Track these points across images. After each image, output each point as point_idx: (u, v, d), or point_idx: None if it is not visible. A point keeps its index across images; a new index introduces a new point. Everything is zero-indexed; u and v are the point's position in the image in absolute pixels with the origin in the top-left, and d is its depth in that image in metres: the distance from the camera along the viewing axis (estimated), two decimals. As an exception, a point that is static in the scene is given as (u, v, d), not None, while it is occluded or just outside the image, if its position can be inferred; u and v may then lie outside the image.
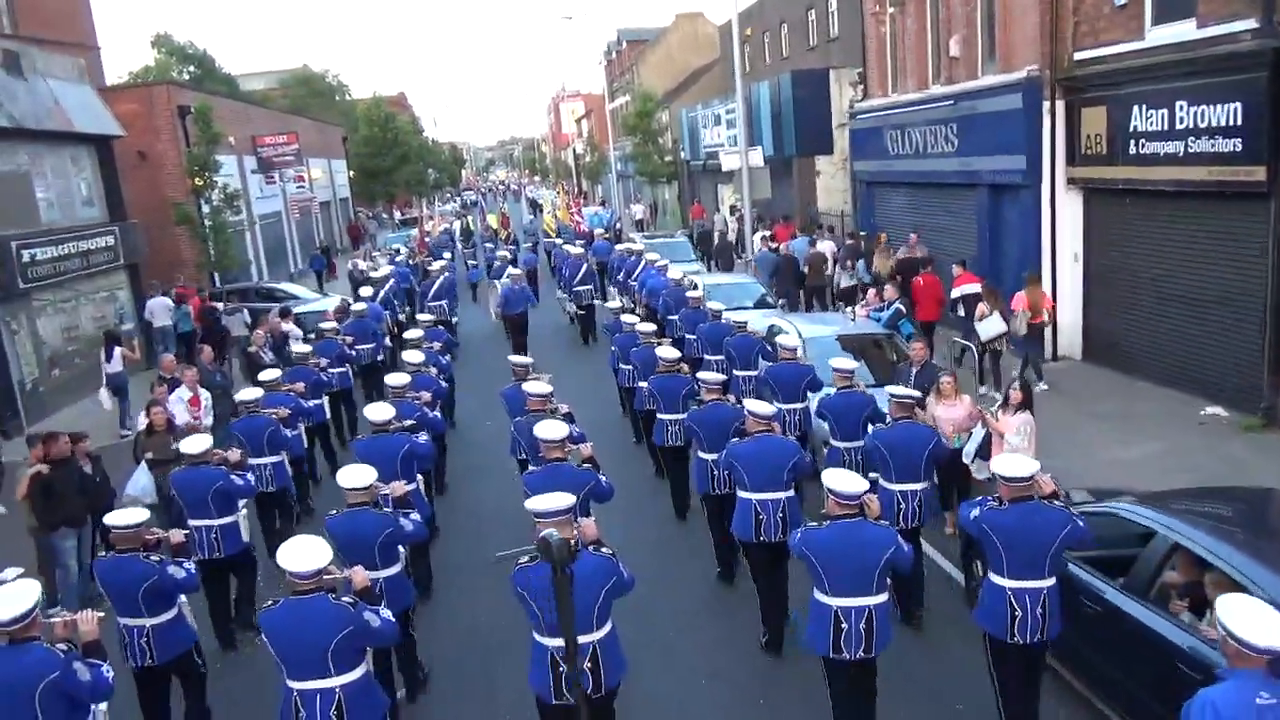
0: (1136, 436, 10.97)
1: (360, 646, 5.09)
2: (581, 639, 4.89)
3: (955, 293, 14.06)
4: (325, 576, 5.04)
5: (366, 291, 17.93)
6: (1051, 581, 5.50)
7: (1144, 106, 12.09)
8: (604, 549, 5.17)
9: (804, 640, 5.77)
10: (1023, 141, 14.13)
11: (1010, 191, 14.99)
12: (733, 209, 33.23)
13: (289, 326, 16.26)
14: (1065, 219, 14.01)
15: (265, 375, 10.89)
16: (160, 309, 19.60)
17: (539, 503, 5.12)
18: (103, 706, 5.05)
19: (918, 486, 7.28)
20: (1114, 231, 13.48)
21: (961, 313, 13.81)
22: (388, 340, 16.26)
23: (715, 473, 8.06)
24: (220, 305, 20.15)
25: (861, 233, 21.16)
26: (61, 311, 17.95)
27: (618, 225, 36.56)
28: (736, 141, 31.10)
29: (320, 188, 42.66)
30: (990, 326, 12.53)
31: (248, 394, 10.00)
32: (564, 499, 5.16)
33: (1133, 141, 12.37)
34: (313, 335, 14.76)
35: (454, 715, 6.89)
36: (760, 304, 16.76)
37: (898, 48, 18.68)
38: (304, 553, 5.00)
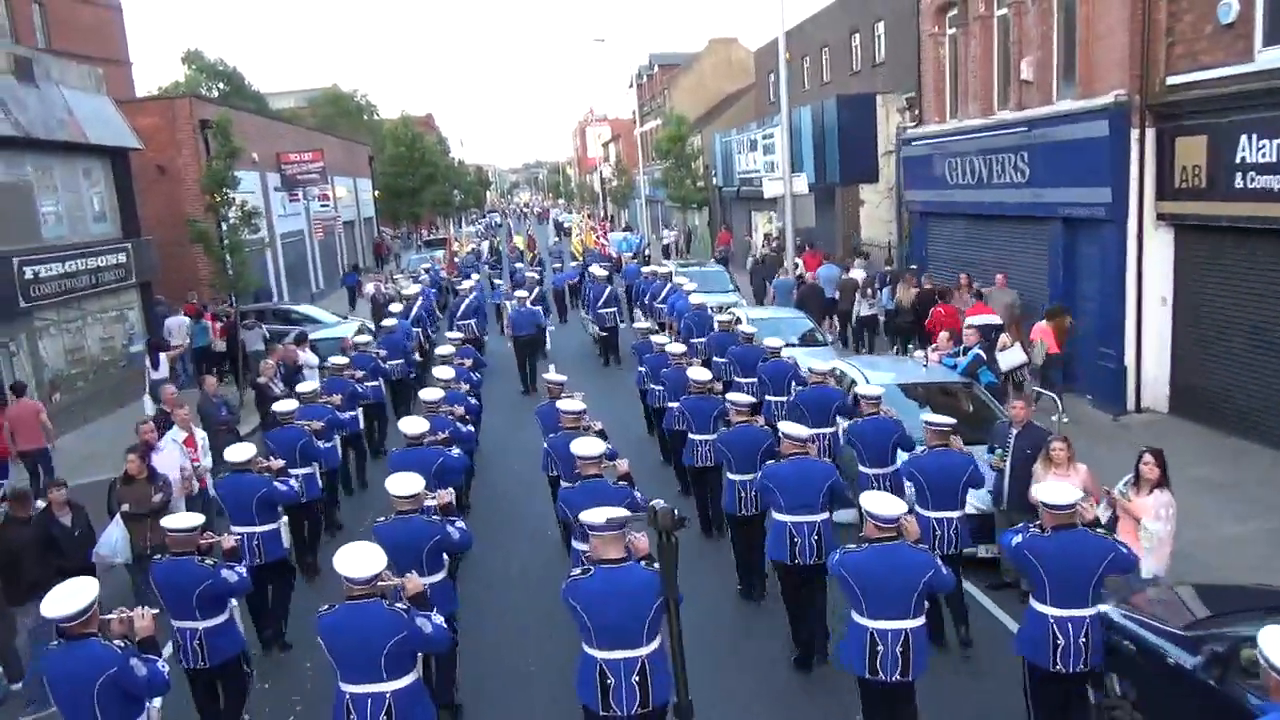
0: (1251, 508, 9.66)
1: (413, 651, 5.17)
2: (631, 653, 5.05)
3: (969, 323, 13.38)
4: (379, 583, 5.11)
5: (396, 308, 18.07)
6: (1094, 610, 5.47)
7: (1253, 136, 10.85)
8: (655, 564, 5.07)
9: (842, 660, 5.75)
10: (1107, 172, 12.88)
11: (1089, 226, 13.74)
12: (767, 237, 32.19)
13: (305, 355, 15.18)
14: (1153, 258, 12.73)
15: (303, 387, 11.14)
16: (178, 328, 18.71)
17: (593, 515, 5.15)
18: (157, 702, 5.20)
19: (954, 514, 7.25)
20: (1209, 273, 12.19)
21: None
22: (417, 356, 16.30)
23: (743, 494, 8.11)
24: (231, 317, 19.02)
25: (911, 266, 19.99)
26: (66, 332, 16.96)
27: (647, 251, 35.70)
28: (774, 168, 30.13)
29: (345, 207, 41.92)
30: (1011, 358, 12.47)
31: (283, 405, 10.06)
32: (615, 515, 5.17)
33: (1238, 174, 11.12)
34: (328, 366, 13.65)
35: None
36: (807, 339, 15.61)
37: (959, 71, 17.52)
38: (360, 559, 5.10)
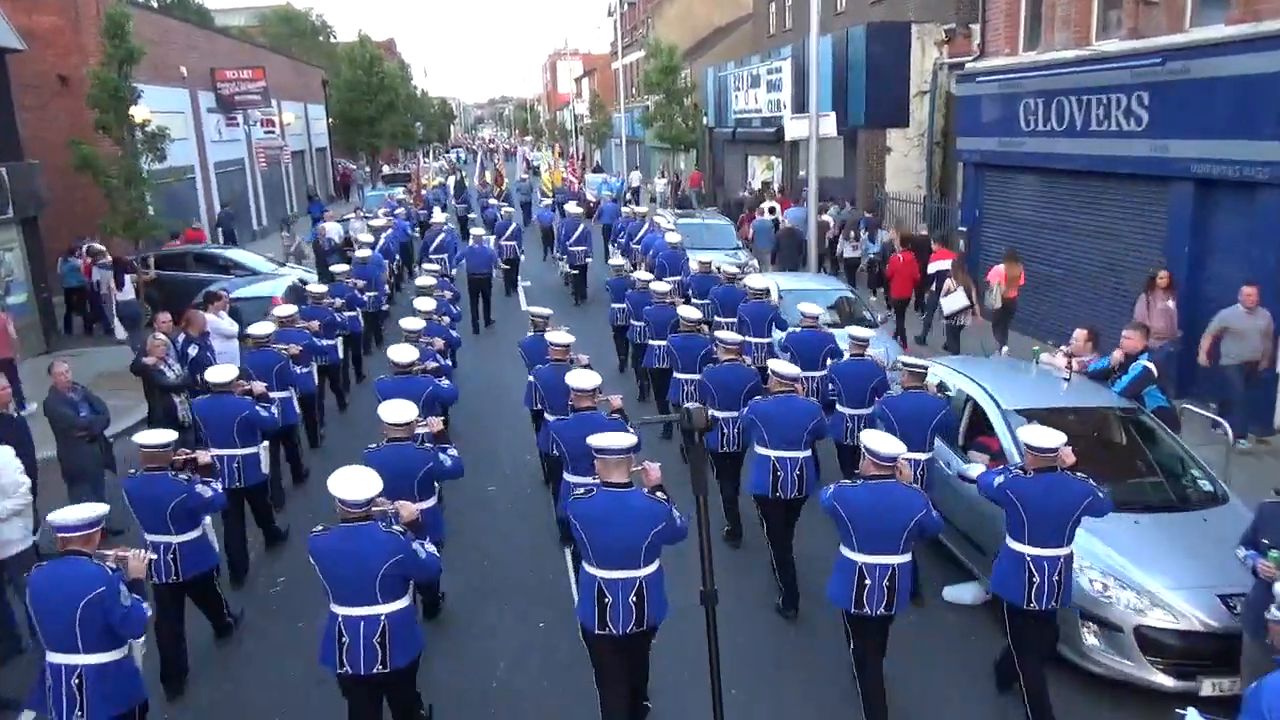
0: None
1: (407, 576, 5.14)
2: (629, 574, 5.15)
3: (931, 268, 14.26)
4: (374, 508, 5.08)
5: (368, 238, 17.66)
6: (1069, 550, 5.59)
7: None
8: (660, 495, 5.26)
9: (828, 594, 5.78)
10: (1276, 122, 9.87)
11: (1239, 191, 10.70)
12: (765, 185, 28.94)
13: (217, 319, 11.76)
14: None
15: (280, 312, 10.75)
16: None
17: (603, 440, 5.22)
18: (139, 643, 5.12)
19: (922, 456, 7.22)
20: None
21: (934, 288, 14.16)
22: (386, 289, 16.12)
23: (725, 431, 8.17)
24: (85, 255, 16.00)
25: (961, 228, 16.95)
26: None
27: (627, 194, 32.44)
28: (781, 106, 26.84)
29: (294, 135, 37.71)
30: (953, 302, 13.05)
31: (259, 328, 9.90)
32: (628, 438, 5.30)
33: None
34: (249, 336, 10.37)
35: (464, 650, 6.89)
36: (843, 310, 12.62)
37: (1041, -9, 14.28)
38: (356, 482, 5.06)
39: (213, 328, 11.55)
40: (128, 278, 14.44)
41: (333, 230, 20.08)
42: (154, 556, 5.24)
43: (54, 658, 4.82)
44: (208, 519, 6.62)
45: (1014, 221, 15.36)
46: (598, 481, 5.30)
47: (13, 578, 6.74)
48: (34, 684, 4.99)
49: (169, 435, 6.38)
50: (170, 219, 22.33)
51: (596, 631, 5.21)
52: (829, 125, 17.88)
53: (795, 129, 17.99)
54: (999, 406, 7.39)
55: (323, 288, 12.55)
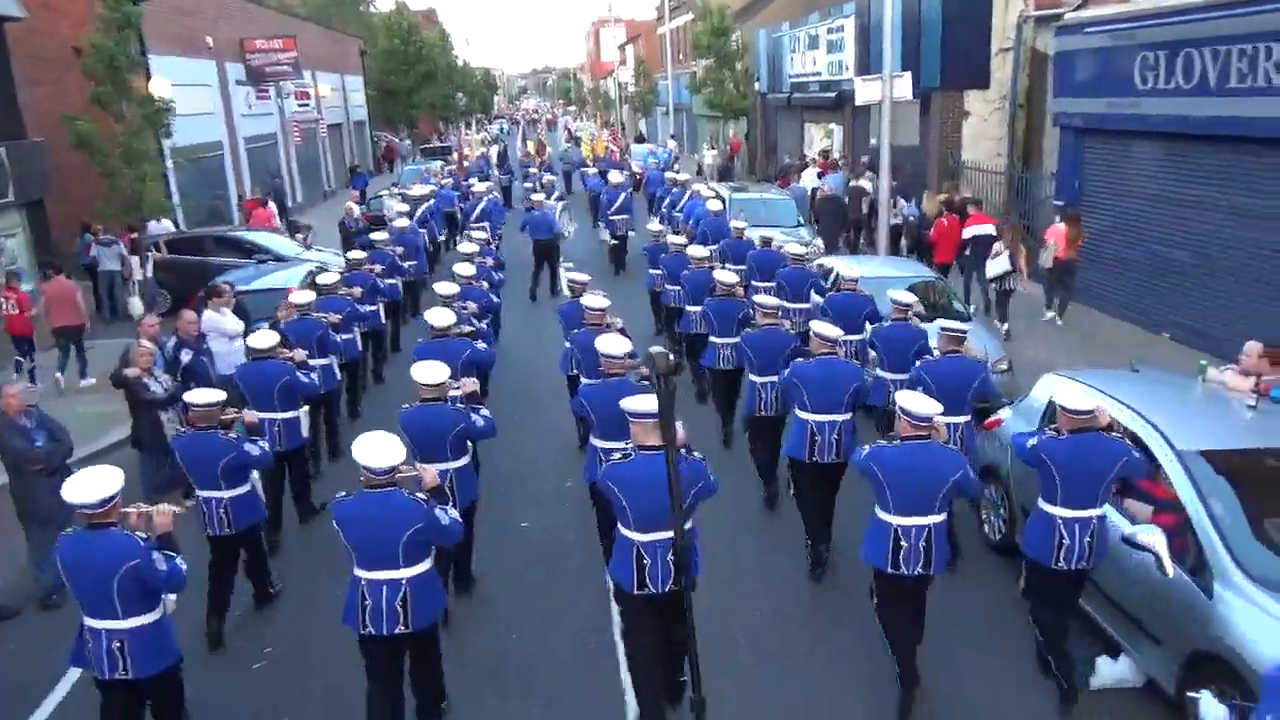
0: None
1: (429, 541, 5.19)
2: (666, 535, 5.05)
3: (967, 233, 13.83)
4: (398, 474, 5.11)
5: (404, 207, 17.71)
6: (1101, 511, 5.47)
7: None
8: (695, 454, 5.29)
9: (862, 554, 5.71)
10: None
11: None
12: (824, 154, 27.00)
13: (219, 316, 10.40)
14: None
15: (323, 279, 10.86)
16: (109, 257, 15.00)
17: (636, 404, 5.21)
18: (171, 596, 5.14)
19: (961, 420, 7.12)
20: None
21: (969, 253, 13.82)
22: (425, 259, 16.12)
23: (764, 395, 8.13)
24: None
25: (1057, 202, 15.02)
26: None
27: (676, 166, 30.74)
28: (843, 69, 24.85)
29: (330, 108, 36.50)
30: (997, 265, 12.81)
31: (300, 296, 9.82)
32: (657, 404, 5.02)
33: None
34: (256, 334, 9.08)
35: (498, 618, 6.92)
36: (922, 294, 10.86)
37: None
38: (379, 448, 5.07)
39: (213, 326, 10.23)
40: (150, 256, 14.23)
41: (358, 210, 18.68)
42: (179, 510, 5.28)
43: (93, 622, 4.89)
44: (255, 474, 6.95)
45: (1125, 195, 13.43)
46: (633, 445, 5.28)
47: None
48: (74, 640, 5.07)
49: (217, 395, 6.62)
50: (198, 199, 21.37)
51: (635, 591, 5.23)
52: (904, 87, 16.01)
53: (866, 92, 16.11)
54: (1173, 448, 5.70)
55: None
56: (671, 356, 4.14)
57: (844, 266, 11.61)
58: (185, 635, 5.73)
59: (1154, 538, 5.28)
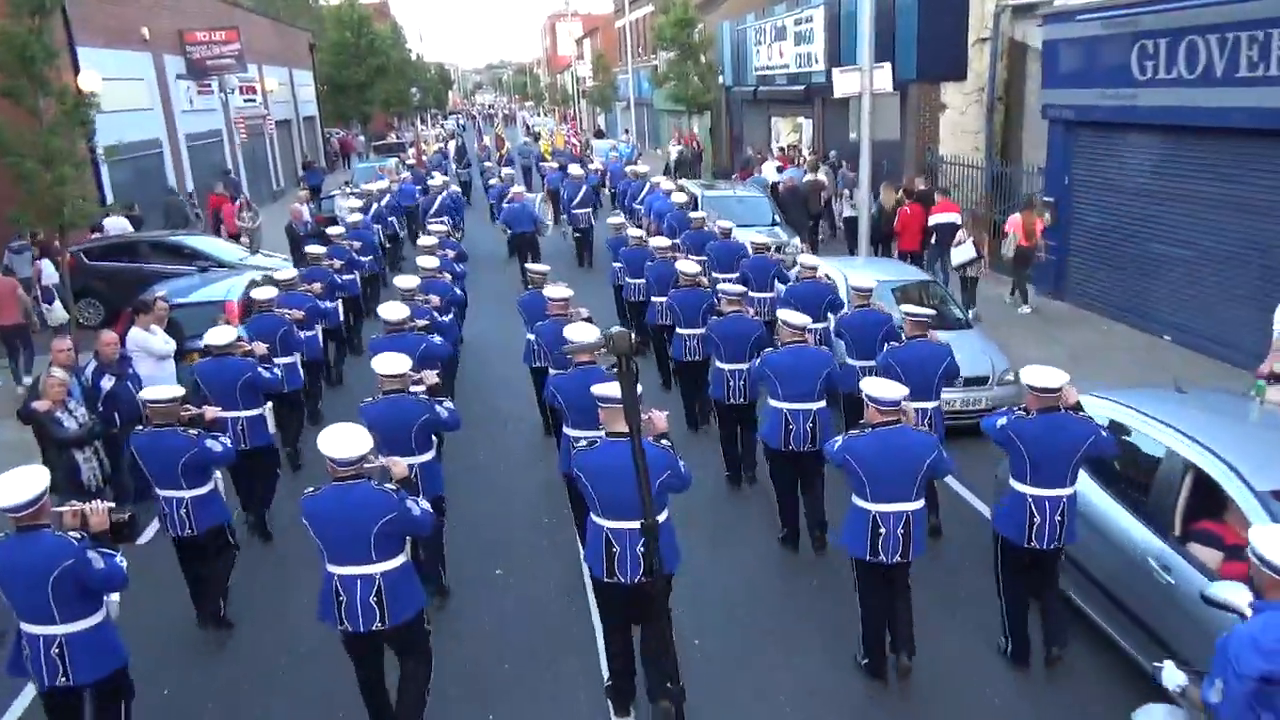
0: None
1: (401, 533, 5.08)
2: (636, 523, 5.00)
3: (932, 220, 14.15)
4: (365, 465, 5.00)
5: (357, 203, 17.39)
6: (1072, 490, 5.54)
7: None
8: (665, 442, 5.25)
9: (843, 542, 5.76)
10: None
11: None
12: (785, 149, 26.26)
13: (147, 335, 9.31)
14: None
15: (282, 275, 10.61)
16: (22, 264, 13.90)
17: (607, 389, 5.13)
18: (115, 597, 5.00)
19: (929, 405, 7.23)
20: None
21: (934, 241, 14.18)
22: (381, 254, 16.06)
23: (732, 383, 8.21)
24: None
25: (1046, 199, 14.39)
26: None
27: (638, 159, 29.93)
28: (813, 61, 24.10)
29: (278, 103, 35.02)
30: (961, 253, 13.08)
31: (262, 293, 9.70)
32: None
33: None
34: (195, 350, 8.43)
35: (473, 613, 6.84)
36: (914, 298, 10.23)
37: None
38: (345, 440, 4.95)
39: (140, 346, 9.17)
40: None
41: (307, 212, 17.54)
42: (111, 505, 4.97)
43: (30, 628, 4.69)
44: (218, 474, 6.74)
45: (1118, 190, 12.82)
46: (602, 433, 5.26)
47: None
48: (10, 649, 4.88)
49: (176, 391, 6.46)
50: (135, 198, 19.99)
51: (605, 580, 5.25)
52: (883, 78, 15.21)
53: (844, 84, 15.30)
54: (1252, 490, 4.93)
55: (320, 248, 12.46)
56: (633, 336, 4.14)
57: (833, 269, 10.86)
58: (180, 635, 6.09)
59: (1240, 595, 4.50)
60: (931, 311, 7.78)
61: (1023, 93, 17.85)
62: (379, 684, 5.28)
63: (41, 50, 10.62)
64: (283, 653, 6.43)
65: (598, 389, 5.29)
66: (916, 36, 18.25)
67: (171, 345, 9.42)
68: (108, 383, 8.09)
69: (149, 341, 9.22)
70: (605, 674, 5.70)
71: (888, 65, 15.30)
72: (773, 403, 7.21)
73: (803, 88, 24.49)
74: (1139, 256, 12.62)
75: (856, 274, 10.51)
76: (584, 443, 5.42)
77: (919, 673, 5.73)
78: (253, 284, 11.49)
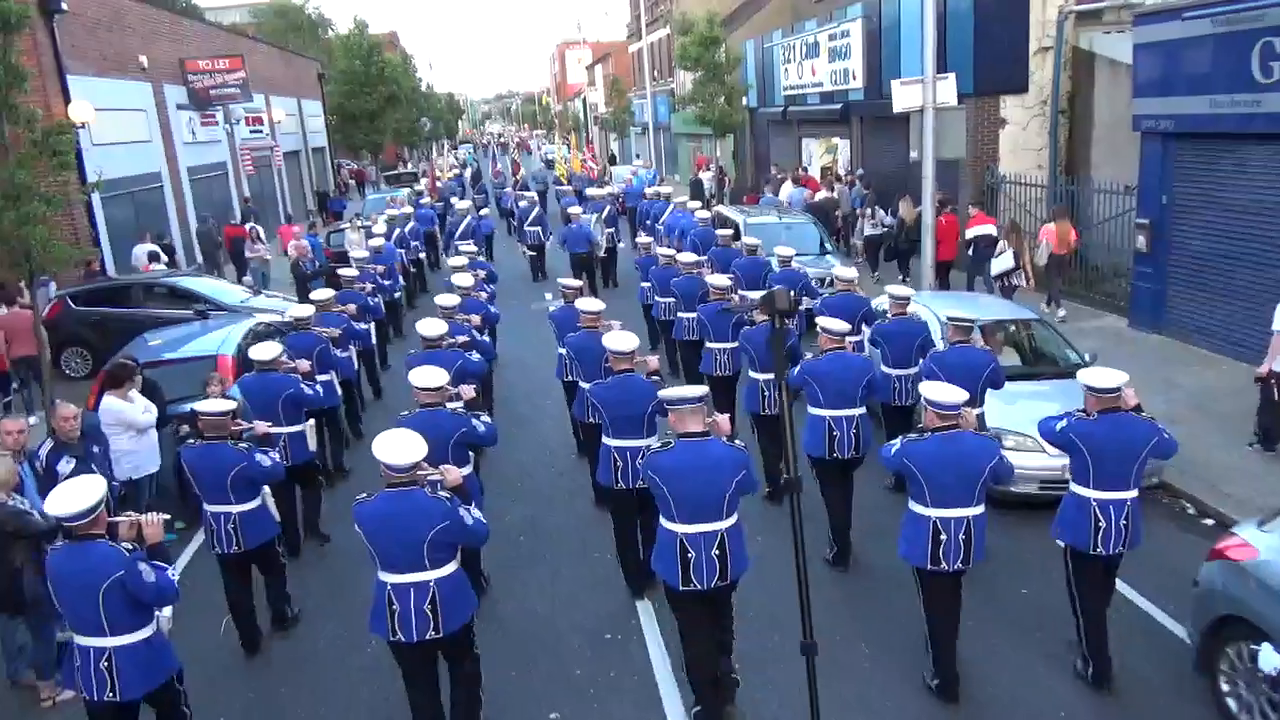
0: None
1: (454, 542, 5.01)
2: (710, 527, 5.06)
3: (969, 233, 14.31)
4: (419, 472, 4.96)
5: (381, 228, 17.62)
6: (1135, 493, 5.45)
7: None
8: (739, 442, 5.26)
9: (901, 552, 5.61)
10: None
11: None
12: (825, 171, 24.80)
13: (122, 404, 7.82)
14: None
15: (317, 295, 10.77)
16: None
17: (677, 391, 5.21)
18: (167, 612, 5.00)
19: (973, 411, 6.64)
20: None
21: (971, 253, 14.26)
22: (401, 280, 16.16)
23: (766, 393, 8.11)
24: None
25: (1140, 220, 12.83)
26: None
27: (661, 183, 28.61)
28: (849, 77, 22.65)
29: (286, 134, 33.86)
30: (1001, 263, 13.26)
31: (299, 310, 9.80)
32: (699, 387, 5.31)
33: None
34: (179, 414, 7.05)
35: (505, 615, 6.94)
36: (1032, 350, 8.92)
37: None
38: (401, 446, 4.92)
39: (116, 418, 7.68)
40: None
41: (310, 250, 16.19)
42: (167, 517, 5.11)
43: (81, 640, 4.67)
44: (267, 489, 6.72)
45: (1231, 209, 11.26)
46: (672, 435, 5.21)
47: None
48: (64, 660, 5.01)
49: (228, 405, 6.42)
50: (132, 234, 18.68)
51: (680, 588, 5.14)
52: (947, 91, 13.80)
53: (905, 97, 13.83)
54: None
55: (352, 271, 12.73)
56: (792, 294, 4.31)
57: (924, 308, 9.36)
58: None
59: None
60: (975, 317, 7.83)
61: (1090, 104, 16.41)
62: (432, 702, 5.20)
63: (7, 72, 9.22)
64: (331, 666, 6.41)
65: (667, 392, 5.29)
66: (974, 47, 16.83)
67: (153, 414, 7.95)
68: (66, 466, 6.61)
69: (126, 412, 7.75)
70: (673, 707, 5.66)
71: (952, 76, 13.87)
72: (814, 411, 7.13)
73: (838, 106, 23.09)
74: (1256, 284, 11.05)
75: (953, 309, 9.01)
76: (657, 444, 5.35)
77: (975, 690, 5.61)
78: (252, 335, 10.04)
